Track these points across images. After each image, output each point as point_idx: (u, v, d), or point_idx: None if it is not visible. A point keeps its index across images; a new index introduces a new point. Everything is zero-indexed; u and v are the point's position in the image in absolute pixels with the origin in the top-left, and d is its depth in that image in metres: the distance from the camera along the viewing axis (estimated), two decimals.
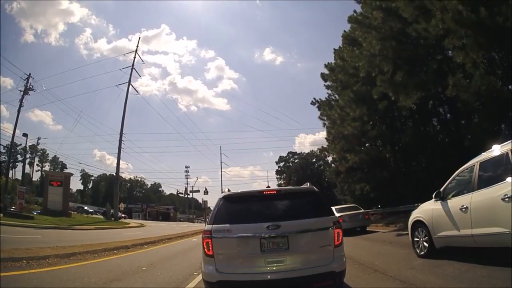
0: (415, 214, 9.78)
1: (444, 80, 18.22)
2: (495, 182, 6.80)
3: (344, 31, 31.71)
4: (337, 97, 34.76)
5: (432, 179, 9.48)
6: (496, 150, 7.02)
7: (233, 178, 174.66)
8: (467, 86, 16.87)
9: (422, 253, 9.18)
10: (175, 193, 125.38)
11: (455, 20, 15.43)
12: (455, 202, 7.94)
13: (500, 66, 18.20)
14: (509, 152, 6.59)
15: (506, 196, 6.24)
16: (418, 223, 9.51)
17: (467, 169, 8.06)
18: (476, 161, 7.68)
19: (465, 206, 7.42)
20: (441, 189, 8.67)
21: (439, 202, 8.60)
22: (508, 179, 6.37)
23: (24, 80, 43.82)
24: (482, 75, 16.17)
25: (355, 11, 26.25)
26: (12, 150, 61.37)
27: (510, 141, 6.75)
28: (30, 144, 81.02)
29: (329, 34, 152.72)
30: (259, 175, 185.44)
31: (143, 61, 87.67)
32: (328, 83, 36.88)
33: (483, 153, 7.65)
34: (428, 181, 10.39)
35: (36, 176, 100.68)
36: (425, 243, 9.13)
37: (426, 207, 9.35)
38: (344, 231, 5.83)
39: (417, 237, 9.51)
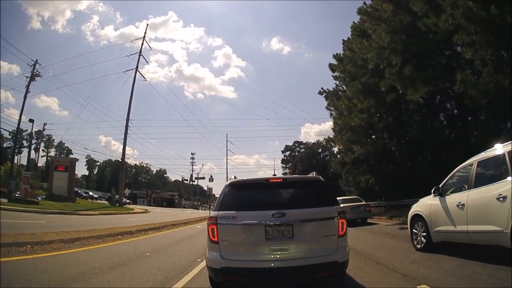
0: (415, 208, 10.07)
1: (452, 75, 18.26)
2: (491, 182, 7.03)
3: (354, 22, 32.02)
4: (345, 88, 34.63)
5: (437, 174, 9.57)
6: (498, 149, 7.18)
7: (239, 166, 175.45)
8: (475, 82, 16.86)
9: (420, 246, 9.47)
10: (180, 180, 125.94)
11: (465, 17, 15.36)
12: (452, 199, 8.20)
13: (508, 64, 18.01)
14: (507, 153, 6.78)
15: (501, 195, 6.47)
16: (417, 217, 9.79)
17: (465, 167, 8.30)
18: (474, 159, 7.93)
19: (462, 203, 7.68)
20: (440, 185, 8.95)
21: (437, 198, 8.86)
22: (506, 179, 6.57)
23: (31, 66, 44.07)
24: (490, 73, 16.16)
25: (364, 3, 26.48)
26: (18, 136, 61.55)
27: (509, 142, 6.92)
28: (36, 129, 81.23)
29: (337, 25, 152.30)
30: (264, 164, 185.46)
31: (150, 47, 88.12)
32: (336, 73, 36.75)
33: (482, 152, 7.88)
34: (433, 176, 10.46)
35: (41, 162, 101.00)
36: (423, 237, 9.40)
37: (425, 202, 9.62)
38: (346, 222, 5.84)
39: (416, 231, 9.80)
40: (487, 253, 7.17)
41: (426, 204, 9.53)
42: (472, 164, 7.94)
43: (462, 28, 16.18)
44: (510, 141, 6.93)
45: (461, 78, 17.15)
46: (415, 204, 10.34)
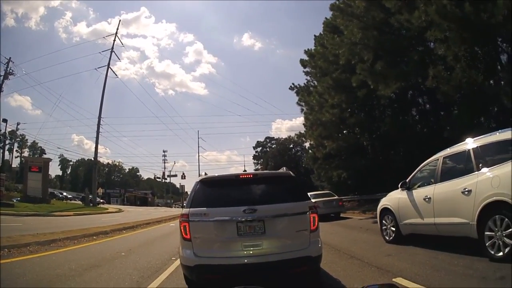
0: (383, 202, 10.42)
1: (425, 71, 18.38)
2: (457, 176, 7.37)
3: (326, 18, 31.96)
4: (316, 84, 34.77)
5: (409, 168, 9.78)
6: (467, 144, 7.42)
7: (210, 163, 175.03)
8: (448, 78, 17.03)
9: (389, 239, 9.83)
10: (153, 178, 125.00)
11: (439, 14, 15.40)
12: (419, 193, 8.57)
13: (482, 60, 18.31)
14: (471, 150, 7.15)
15: (466, 189, 6.82)
16: (386, 211, 10.11)
17: (432, 162, 8.68)
18: (440, 155, 8.33)
19: (428, 197, 8.05)
20: (407, 180, 9.31)
21: (405, 192, 9.21)
22: (471, 174, 6.92)
23: (4, 64, 42.81)
24: (463, 68, 16.35)
25: None
26: None
27: (481, 136, 7.21)
28: (10, 130, 79.29)
29: (309, 22, 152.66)
30: (236, 160, 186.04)
31: (122, 44, 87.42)
32: (307, 69, 36.87)
33: (447, 148, 8.26)
34: (406, 170, 10.60)
35: (15, 163, 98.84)
36: (392, 230, 9.73)
37: (393, 196, 9.93)
38: (318, 216, 5.88)
39: (385, 224, 10.11)
40: (457, 245, 7.41)
41: (394, 198, 9.84)
42: (438, 159, 8.30)
43: (436, 25, 16.25)
44: (481, 136, 7.22)
45: (434, 73, 17.29)
46: (383, 198, 10.71)
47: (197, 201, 5.72)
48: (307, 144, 49.80)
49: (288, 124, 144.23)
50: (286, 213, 5.54)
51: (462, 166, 7.48)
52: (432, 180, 8.31)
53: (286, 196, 5.90)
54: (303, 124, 39.73)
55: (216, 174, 6.76)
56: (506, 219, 5.94)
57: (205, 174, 6.76)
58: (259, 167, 78.27)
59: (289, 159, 68.19)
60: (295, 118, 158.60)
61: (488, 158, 6.82)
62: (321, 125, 31.16)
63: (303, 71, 37.87)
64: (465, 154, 7.37)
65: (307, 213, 5.59)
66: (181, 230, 5.60)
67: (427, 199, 8.12)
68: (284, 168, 6.79)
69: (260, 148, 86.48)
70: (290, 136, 77.46)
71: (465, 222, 6.83)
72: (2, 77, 42.30)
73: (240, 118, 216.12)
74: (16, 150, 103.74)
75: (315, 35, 34.87)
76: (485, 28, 14.84)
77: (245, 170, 9.50)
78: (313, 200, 6.16)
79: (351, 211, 26.05)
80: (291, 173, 6.31)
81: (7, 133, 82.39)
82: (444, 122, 21.13)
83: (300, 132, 44.51)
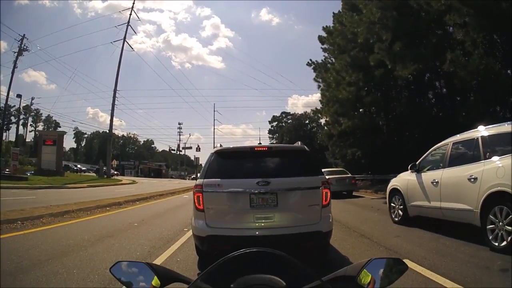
0: (393, 183, 10.64)
1: (443, 55, 18.30)
2: (464, 163, 7.52)
3: None
4: (334, 61, 34.58)
5: (423, 151, 9.91)
6: (479, 131, 7.46)
7: (225, 136, 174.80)
8: (465, 63, 16.91)
9: (397, 219, 10.01)
10: (168, 150, 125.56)
11: None
12: (428, 176, 8.72)
13: (500, 49, 18.18)
14: (480, 138, 7.24)
15: (472, 177, 6.91)
16: (395, 191, 10.32)
17: (442, 146, 8.80)
18: (450, 140, 8.45)
19: (436, 181, 8.20)
20: (417, 162, 9.49)
21: (414, 174, 9.37)
22: (478, 162, 7.01)
23: (19, 41, 43.23)
24: (481, 55, 16.26)
25: None
26: (6, 112, 60.51)
27: (493, 125, 7.30)
28: (24, 105, 80.00)
29: None
30: (251, 134, 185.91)
31: (139, 18, 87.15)
32: (325, 46, 36.23)
33: (457, 135, 8.36)
34: (419, 152, 10.70)
35: (29, 137, 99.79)
36: (400, 210, 9.92)
37: (403, 177, 10.13)
38: (331, 193, 5.92)
39: (394, 204, 10.33)
40: (463, 231, 7.43)
41: (403, 179, 10.01)
42: (448, 144, 8.43)
43: (455, 9, 16.11)
44: (492, 125, 7.32)
45: (451, 58, 17.25)
46: (393, 179, 10.92)
47: (212, 172, 5.80)
48: (322, 121, 49.63)
49: (305, 100, 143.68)
50: (299, 186, 5.65)
51: (470, 153, 7.59)
52: (441, 165, 8.43)
53: (300, 170, 5.96)
54: (320, 100, 39.46)
55: (231, 146, 6.96)
56: (508, 210, 6.03)
57: (220, 145, 7.01)
58: (274, 142, 78.29)
59: (304, 135, 67.84)
60: (311, 95, 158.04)
61: (496, 148, 6.89)
62: (337, 102, 31.04)
63: (321, 48, 37.26)
64: (473, 141, 7.47)
65: (320, 188, 5.63)
66: (194, 200, 5.68)
67: (434, 183, 8.26)
68: (299, 142, 6.89)
69: (276, 122, 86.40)
70: (306, 112, 77.09)
71: (470, 209, 6.94)
72: (16, 54, 42.63)
73: (257, 92, 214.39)
74: (31, 125, 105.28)
75: (333, 13, 34.43)
76: (504, 17, 14.71)
77: (260, 143, 9.62)
78: (326, 177, 6.32)
79: (364, 190, 26.14)
80: (305, 147, 6.35)
81: (22, 108, 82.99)
82: (460, 107, 21.06)
83: (316, 108, 44.47)
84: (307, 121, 75.38)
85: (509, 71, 17.26)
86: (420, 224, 9.09)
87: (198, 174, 7.88)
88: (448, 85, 24.40)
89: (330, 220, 5.78)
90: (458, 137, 8.27)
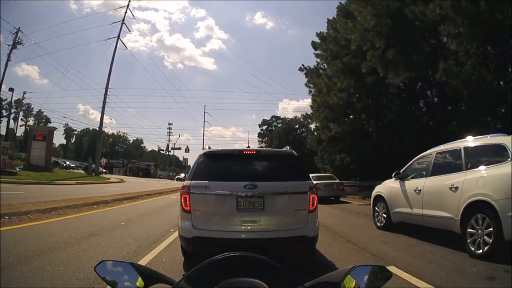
0: (377, 189, 10.96)
1: (435, 64, 18.39)
2: (447, 172, 7.90)
3: (340, 3, 32.05)
4: (326, 67, 34.73)
5: (412, 158, 10.16)
6: (467, 141, 7.74)
7: (215, 138, 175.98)
8: (458, 73, 17.00)
9: (380, 225, 10.34)
10: (157, 150, 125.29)
11: (454, 8, 15.45)
12: (411, 184, 9.03)
13: (493, 60, 18.34)
14: (463, 148, 7.58)
15: (454, 186, 7.28)
16: (379, 198, 10.63)
17: (426, 156, 9.13)
18: (434, 150, 8.79)
19: (419, 188, 8.52)
20: (401, 170, 9.78)
21: (398, 181, 9.66)
22: (460, 172, 7.36)
23: (13, 34, 42.85)
24: (474, 65, 16.38)
25: None
26: None
27: (481, 136, 7.62)
28: (16, 98, 79.33)
29: (322, 4, 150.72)
30: (240, 137, 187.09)
31: (133, 16, 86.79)
32: (318, 51, 36.57)
33: (442, 145, 8.73)
34: (408, 159, 10.81)
35: (20, 131, 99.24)
36: (383, 216, 10.21)
37: (387, 184, 10.45)
38: (318, 198, 6.00)
39: (377, 211, 10.61)
40: (449, 238, 7.58)
41: (387, 187, 10.34)
42: (432, 154, 8.77)
43: (449, 19, 16.24)
44: (479, 136, 7.64)
45: (444, 67, 17.31)
46: (378, 186, 11.23)
47: (199, 173, 5.82)
48: (312, 126, 49.83)
49: (295, 104, 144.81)
50: (286, 191, 5.71)
51: (452, 163, 7.94)
52: (424, 173, 8.76)
53: (288, 174, 6.01)
54: (310, 105, 39.71)
55: (220, 148, 7.01)
56: (487, 219, 6.33)
57: (209, 147, 6.88)
58: (264, 145, 78.42)
59: (294, 139, 68.13)
60: (302, 99, 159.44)
61: (477, 159, 7.23)
62: (328, 107, 31.19)
63: (314, 53, 37.62)
64: (456, 152, 7.82)
65: (307, 193, 5.68)
66: (181, 201, 5.70)
67: (417, 191, 8.56)
68: (288, 147, 6.87)
69: (266, 126, 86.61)
70: (296, 116, 77.45)
71: (450, 216, 7.26)
72: (10, 47, 42.23)
73: (248, 95, 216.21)
74: (21, 119, 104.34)
75: (328, 19, 34.67)
76: (498, 28, 14.88)
77: (248, 147, 9.65)
78: (314, 182, 6.33)
79: (351, 196, 26.22)
80: (294, 152, 6.40)
81: (13, 102, 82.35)
82: (451, 117, 21.20)
83: (306, 113, 44.53)
84: (297, 126, 75.75)
85: (501, 82, 17.35)
86: (403, 230, 9.30)
87: (182, 174, 7.75)
88: (440, 94, 24.66)
89: (316, 225, 5.82)
90: (442, 147, 8.65)
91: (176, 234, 7.54)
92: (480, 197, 6.56)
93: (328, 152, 36.08)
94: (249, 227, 5.54)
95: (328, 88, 31.18)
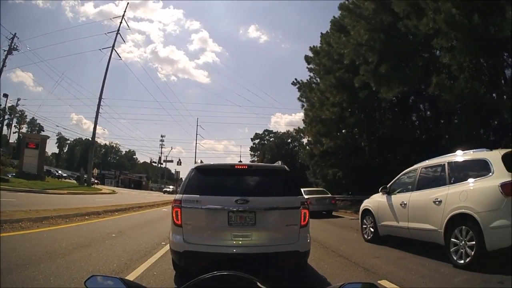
0: (365, 203, 11.23)
1: (428, 78, 18.58)
2: (431, 187, 8.21)
3: (334, 17, 32.32)
4: (319, 81, 35.02)
5: None
6: (459, 155, 8.00)
7: (207, 151, 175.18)
8: (450, 87, 17.13)
9: (368, 238, 10.59)
10: (149, 162, 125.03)
11: (447, 22, 15.55)
12: (397, 198, 9.30)
13: (486, 73, 18.48)
14: (447, 164, 7.93)
15: (437, 200, 7.58)
16: (366, 212, 10.90)
17: (411, 171, 9.44)
18: (420, 165, 9.13)
19: (404, 202, 8.79)
20: (388, 185, 10.05)
21: (385, 196, 9.92)
22: (443, 186, 7.68)
23: (9, 40, 42.57)
24: (466, 79, 16.46)
25: None
26: None
27: (472, 150, 7.82)
28: (10, 105, 78.88)
29: (316, 18, 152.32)
30: (233, 150, 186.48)
31: (129, 27, 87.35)
32: (311, 66, 37.01)
33: (427, 160, 9.04)
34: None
35: (13, 138, 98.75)
36: (371, 230, 10.45)
37: (375, 199, 10.74)
38: (310, 213, 5.96)
39: (365, 224, 10.87)
40: (431, 249, 7.79)
41: (375, 201, 10.62)
42: (417, 169, 9.10)
43: (443, 33, 16.38)
44: (467, 151, 7.87)
45: (437, 81, 17.56)
46: (366, 200, 11.50)
47: (191, 187, 5.78)
48: (305, 140, 50.02)
49: (288, 118, 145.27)
50: (278, 206, 5.64)
51: (437, 177, 8.28)
52: (410, 187, 9.06)
53: (279, 189, 5.99)
54: (303, 120, 39.81)
55: (212, 163, 6.94)
56: (470, 231, 6.59)
57: (201, 161, 6.88)
58: (256, 159, 78.47)
59: (286, 154, 68.26)
60: (294, 113, 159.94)
61: (460, 174, 7.58)
62: (321, 122, 31.40)
63: (307, 68, 38.02)
64: (441, 167, 8.21)
65: (299, 208, 5.65)
66: (172, 215, 5.66)
67: (403, 205, 8.83)
68: (280, 162, 6.85)
69: (258, 140, 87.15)
70: (288, 130, 77.91)
71: (434, 229, 7.54)
72: (5, 52, 42.00)
73: (240, 109, 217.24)
74: (15, 126, 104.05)
75: (321, 33, 35.00)
76: (492, 41, 15.06)
77: (240, 161, 9.64)
78: (306, 197, 6.44)
79: (344, 210, 26.14)
80: (285, 167, 6.36)
81: (7, 108, 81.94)
82: (443, 130, 21.35)
83: (299, 128, 44.61)
84: (289, 140, 76.11)
85: (494, 95, 17.52)
86: (391, 243, 9.47)
87: (171, 187, 7.64)
88: (433, 108, 24.82)
89: (308, 240, 5.78)
90: (427, 162, 8.94)
91: (167, 247, 7.44)
92: (462, 210, 6.85)
93: (321, 167, 36.19)
94: (240, 242, 5.47)
95: (320, 103, 31.45)
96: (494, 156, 6.98)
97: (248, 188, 6.01)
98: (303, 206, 5.69)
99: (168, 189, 75.82)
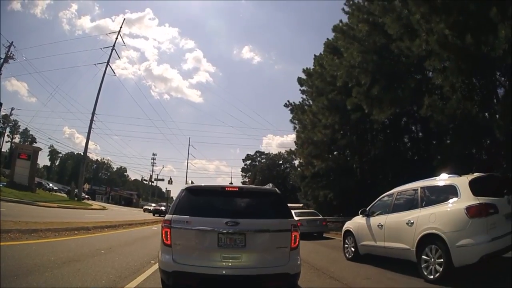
0: (347, 225, 11.97)
1: (420, 99, 18.76)
2: (405, 209, 8.92)
3: (327, 39, 32.83)
4: (311, 103, 35.45)
5: None
6: (443, 178, 8.55)
7: (198, 171, 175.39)
8: (442, 108, 17.29)
9: (349, 256, 11.18)
10: (140, 180, 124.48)
11: (440, 43, 15.87)
12: (375, 220, 10.00)
13: (479, 92, 18.65)
14: (419, 188, 8.70)
15: (410, 221, 8.31)
16: (348, 233, 11.59)
17: (389, 195, 10.18)
18: (396, 190, 9.90)
19: (381, 224, 9.52)
20: (367, 208, 10.76)
21: (364, 218, 10.61)
22: (415, 209, 8.43)
23: (6, 48, 42.41)
24: (459, 100, 16.61)
25: (341, 21, 26.98)
26: None
27: (446, 175, 8.50)
28: (3, 114, 78.48)
29: (310, 40, 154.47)
30: (224, 171, 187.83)
31: (124, 43, 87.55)
32: (304, 88, 37.73)
33: (401, 186, 9.82)
34: None
35: (5, 147, 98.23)
36: (352, 249, 11.05)
37: (355, 220, 11.41)
38: (301, 234, 6.14)
39: (347, 244, 11.49)
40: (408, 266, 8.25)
41: (355, 222, 11.31)
42: (393, 193, 9.85)
43: (435, 54, 16.66)
44: (448, 175, 8.45)
45: (429, 102, 17.72)
46: (347, 222, 12.27)
47: (181, 208, 5.80)
48: (296, 162, 50.17)
49: (279, 140, 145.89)
50: (268, 229, 5.66)
51: (410, 201, 8.96)
52: (387, 210, 9.74)
53: (270, 212, 5.99)
54: (295, 141, 40.34)
55: (203, 184, 6.87)
56: (439, 249, 7.28)
57: (192, 182, 6.98)
58: (247, 180, 78.30)
59: (277, 175, 68.49)
60: (286, 135, 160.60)
61: (431, 198, 8.32)
62: (312, 144, 31.84)
63: (300, 90, 38.73)
64: (414, 191, 8.93)
65: (289, 231, 5.68)
66: (162, 235, 5.68)
67: (380, 226, 9.56)
68: (270, 184, 6.87)
69: (250, 161, 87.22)
70: (280, 152, 78.45)
71: (407, 248, 8.24)
72: (2, 60, 41.73)
73: (232, 129, 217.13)
74: (7, 135, 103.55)
75: (315, 55, 35.60)
76: (484, 60, 15.37)
77: (231, 183, 9.54)
78: (297, 218, 6.35)
79: (334, 231, 25.83)
80: (276, 189, 6.38)
81: (1, 117, 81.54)
82: (435, 151, 21.49)
83: (290, 149, 44.89)
84: (280, 162, 76.35)
85: (486, 114, 17.73)
86: (369, 261, 10.00)
87: (169, 206, 7.52)
88: (424, 129, 25.06)
89: (299, 262, 5.79)
90: (402, 187, 9.73)
91: (156, 266, 7.57)
92: (432, 231, 7.57)
93: (312, 188, 36.29)
94: (230, 264, 5.43)
95: (313, 125, 31.89)
96: (462, 182, 7.71)
97: (238, 210, 5.99)
98: (293, 228, 5.71)
99: (148, 207, 65.00)
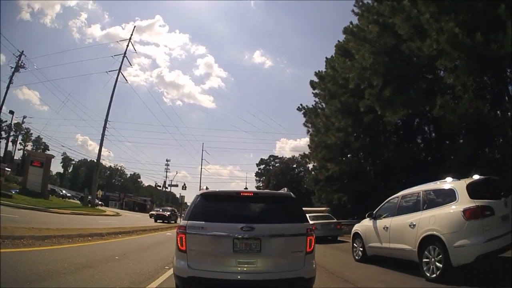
0: (355, 227, 12.53)
1: (432, 99, 18.64)
2: (408, 212, 9.56)
3: (338, 41, 32.90)
4: (324, 106, 35.53)
5: None
6: (444, 182, 9.12)
7: (212, 176, 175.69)
8: (454, 108, 17.21)
9: (358, 258, 11.82)
10: (154, 186, 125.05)
11: (450, 43, 15.82)
12: (381, 222, 10.58)
13: (490, 91, 18.71)
14: (421, 192, 9.36)
15: (412, 223, 8.96)
16: (356, 235, 12.18)
17: (393, 198, 10.77)
18: (400, 194, 10.51)
19: (386, 226, 10.13)
20: (374, 211, 11.33)
21: (371, 221, 11.19)
22: (417, 212, 9.05)
23: (17, 57, 43.29)
24: (470, 99, 16.53)
25: (351, 23, 26.96)
26: None
27: (451, 178, 8.95)
28: (15, 122, 79.70)
29: (321, 43, 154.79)
30: (238, 175, 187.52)
31: (135, 50, 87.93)
32: (316, 91, 37.61)
33: (405, 190, 10.45)
34: None
35: (18, 155, 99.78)
36: (360, 250, 11.67)
37: (363, 223, 12.02)
38: (315, 238, 6.02)
39: (355, 245, 12.15)
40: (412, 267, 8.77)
41: (363, 225, 11.92)
42: (398, 197, 10.47)
43: (446, 54, 16.63)
44: (456, 179, 8.87)
45: (441, 103, 17.61)
46: (356, 224, 12.85)
47: (196, 214, 5.84)
48: (310, 166, 49.96)
49: (293, 144, 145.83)
50: (283, 233, 5.66)
51: (413, 204, 9.60)
52: (392, 213, 10.32)
53: (285, 216, 5.99)
54: (308, 145, 40.09)
55: (217, 189, 6.85)
56: (438, 250, 7.88)
57: (206, 188, 6.90)
58: (261, 185, 78.34)
59: (291, 179, 68.47)
60: (299, 139, 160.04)
61: (432, 201, 8.95)
62: (326, 147, 31.84)
63: (312, 93, 38.67)
64: (416, 195, 9.62)
65: (304, 235, 5.68)
66: (177, 241, 5.72)
67: (385, 228, 10.21)
68: (285, 188, 6.88)
69: (263, 165, 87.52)
70: (294, 156, 78.24)
71: (410, 248, 8.86)
72: (13, 69, 42.49)
73: (246, 134, 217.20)
74: (20, 143, 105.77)
75: (326, 58, 35.64)
76: (494, 58, 15.32)
77: (246, 188, 9.65)
78: (311, 222, 6.42)
79: (349, 235, 25.67)
80: (291, 194, 6.40)
81: (13, 125, 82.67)
82: (448, 151, 21.58)
83: (304, 153, 44.59)
84: (294, 165, 76.22)
85: (498, 112, 17.71)
86: (375, 262, 10.63)
87: (183, 212, 7.60)
88: (437, 129, 24.84)
89: (314, 267, 5.80)
90: (406, 191, 10.39)
91: (170, 271, 7.50)
92: (432, 232, 8.16)
93: (326, 192, 36.15)
94: (245, 269, 5.46)
95: (326, 128, 31.91)
96: (460, 185, 8.32)
97: (253, 215, 6.01)
98: (308, 232, 5.74)
99: (153, 212, 55.40)
